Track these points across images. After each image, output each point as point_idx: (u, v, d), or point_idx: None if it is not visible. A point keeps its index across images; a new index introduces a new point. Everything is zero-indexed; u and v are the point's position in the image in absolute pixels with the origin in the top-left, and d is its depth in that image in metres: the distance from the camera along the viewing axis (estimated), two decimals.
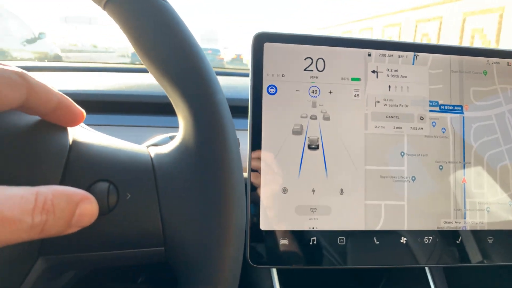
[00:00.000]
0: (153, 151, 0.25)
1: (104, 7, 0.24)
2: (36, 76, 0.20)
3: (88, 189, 0.21)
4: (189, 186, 0.22)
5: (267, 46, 0.40)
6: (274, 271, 0.50)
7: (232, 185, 0.22)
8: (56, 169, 0.21)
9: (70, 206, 0.18)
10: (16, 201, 0.16)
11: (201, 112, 0.23)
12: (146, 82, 0.73)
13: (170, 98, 0.25)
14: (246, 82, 0.76)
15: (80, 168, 0.22)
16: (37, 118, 0.23)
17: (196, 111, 0.23)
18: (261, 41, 0.40)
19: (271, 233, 0.39)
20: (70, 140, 0.23)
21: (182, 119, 0.24)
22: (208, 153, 0.22)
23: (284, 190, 0.40)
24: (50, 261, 0.22)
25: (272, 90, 0.40)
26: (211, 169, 0.22)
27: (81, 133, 0.24)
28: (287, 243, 0.40)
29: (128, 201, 0.21)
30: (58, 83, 0.72)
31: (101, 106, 0.63)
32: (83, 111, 0.24)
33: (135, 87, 0.68)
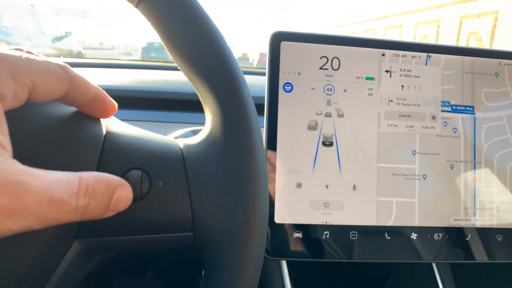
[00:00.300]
0: (182, 142, 0.26)
1: (137, 6, 0.25)
2: None
3: (122, 176, 0.22)
4: (217, 175, 0.23)
5: (284, 44, 0.41)
6: (284, 266, 0.51)
7: (257, 174, 0.23)
8: (92, 157, 0.22)
9: (108, 191, 0.19)
10: (64, 184, 0.17)
11: (228, 106, 0.24)
12: (162, 78, 0.74)
13: (198, 93, 0.26)
14: (254, 81, 0.77)
15: (115, 156, 0.23)
16: (73, 109, 0.24)
17: (224, 105, 0.24)
18: (278, 40, 0.41)
19: (285, 226, 0.40)
20: (104, 131, 0.24)
21: (210, 113, 0.25)
22: (235, 145, 0.24)
23: (299, 185, 0.41)
24: (85, 244, 0.23)
25: (288, 87, 0.41)
26: (237, 160, 0.23)
27: (113, 124, 0.26)
28: (301, 236, 0.41)
29: (159, 189, 0.23)
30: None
31: (122, 102, 0.65)
32: (115, 103, 0.25)
33: (153, 83, 0.70)
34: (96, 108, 0.24)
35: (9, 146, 0.17)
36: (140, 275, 0.74)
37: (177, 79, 0.73)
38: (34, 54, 0.19)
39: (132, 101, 0.65)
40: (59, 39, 4.11)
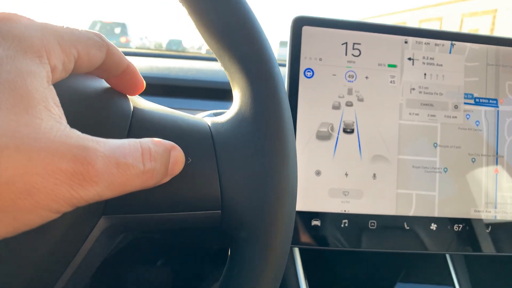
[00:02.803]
0: (209, 121, 0.25)
1: None
2: None
3: None
4: (246, 153, 0.23)
5: (306, 29, 0.41)
6: (297, 254, 0.51)
7: (287, 153, 0.23)
8: (122, 132, 0.22)
9: (167, 154, 0.19)
10: (127, 148, 0.17)
11: (259, 84, 0.23)
12: (178, 66, 0.74)
13: (226, 70, 0.26)
14: None
15: (143, 132, 0.22)
16: (100, 85, 0.23)
17: (254, 83, 0.23)
18: (299, 24, 0.41)
19: (304, 214, 0.40)
20: (132, 107, 0.24)
21: (239, 91, 0.24)
22: (265, 123, 0.23)
23: (318, 173, 0.40)
24: (111, 220, 0.23)
25: (309, 73, 0.41)
26: (267, 138, 0.23)
27: (141, 101, 0.25)
28: (319, 224, 0.40)
29: (189, 165, 0.22)
30: None
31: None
32: (144, 80, 0.24)
33: (167, 71, 0.69)
34: (126, 82, 0.23)
35: (64, 117, 0.16)
36: (149, 264, 0.74)
37: (192, 67, 0.72)
38: None
39: (148, 88, 0.65)
40: None
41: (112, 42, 0.20)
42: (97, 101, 0.22)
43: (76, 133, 0.15)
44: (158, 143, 0.19)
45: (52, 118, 0.15)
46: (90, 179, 0.15)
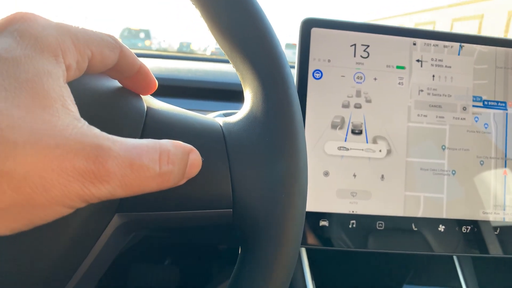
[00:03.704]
0: (221, 121, 0.26)
1: None
2: None
3: None
4: (258, 153, 0.23)
5: (315, 31, 0.41)
6: (304, 255, 0.51)
7: (297, 153, 0.23)
8: (136, 132, 0.22)
9: (185, 157, 0.19)
10: (144, 149, 0.17)
11: (270, 84, 0.24)
12: (187, 67, 0.74)
13: (237, 71, 0.26)
14: None
15: (157, 132, 0.23)
16: (114, 84, 0.24)
17: (266, 83, 0.24)
18: (308, 26, 0.41)
19: (312, 214, 0.40)
20: (145, 106, 0.24)
21: (250, 91, 0.25)
22: (277, 124, 0.23)
23: (326, 173, 0.41)
24: (125, 218, 0.23)
25: (317, 74, 0.41)
26: (279, 139, 0.23)
27: (154, 101, 0.26)
28: (327, 225, 0.40)
29: (202, 164, 0.23)
30: None
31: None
32: (156, 80, 0.25)
33: (176, 72, 0.70)
34: (139, 82, 0.24)
35: (77, 111, 0.16)
36: (157, 263, 0.74)
37: (200, 68, 0.73)
38: None
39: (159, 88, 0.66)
40: None
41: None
42: (111, 100, 0.22)
43: (93, 131, 0.16)
44: (178, 146, 0.19)
45: (70, 115, 0.15)
46: (101, 177, 0.15)
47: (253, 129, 0.24)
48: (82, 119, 0.16)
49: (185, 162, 0.19)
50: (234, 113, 0.27)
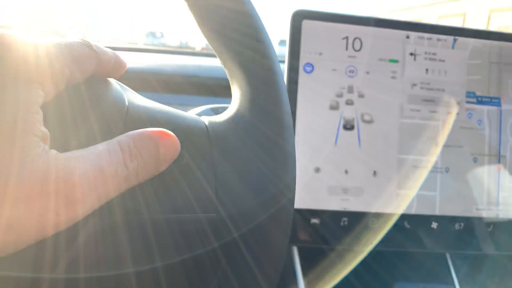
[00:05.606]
0: (206, 120, 0.24)
1: None
2: None
3: None
4: (244, 155, 0.22)
5: (306, 23, 0.40)
6: (295, 253, 0.50)
7: (285, 155, 0.22)
8: (115, 129, 0.21)
9: (152, 144, 0.18)
10: (107, 155, 0.16)
11: (259, 83, 0.23)
12: (170, 62, 0.73)
13: (225, 68, 0.25)
14: None
15: (138, 129, 0.22)
16: (95, 80, 0.22)
17: (254, 82, 0.23)
18: (299, 18, 0.40)
19: (302, 212, 0.39)
20: (126, 103, 0.23)
21: (238, 89, 0.24)
22: (265, 124, 0.22)
23: (317, 170, 0.39)
24: None
25: (308, 68, 0.40)
26: (266, 140, 0.22)
27: (135, 97, 0.24)
28: (318, 223, 0.39)
29: (184, 166, 0.21)
30: None
31: (131, 84, 0.64)
32: (125, 62, 0.24)
33: (162, 66, 0.68)
34: (109, 67, 0.22)
35: (47, 136, 0.16)
36: None
37: (188, 63, 0.71)
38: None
39: (141, 83, 0.64)
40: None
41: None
42: (91, 96, 0.21)
43: (55, 155, 0.15)
44: (140, 137, 0.18)
45: (34, 144, 0.15)
46: (76, 199, 0.15)
47: (240, 130, 0.23)
48: (42, 144, 0.15)
49: (155, 150, 0.18)
50: (221, 108, 0.26)
